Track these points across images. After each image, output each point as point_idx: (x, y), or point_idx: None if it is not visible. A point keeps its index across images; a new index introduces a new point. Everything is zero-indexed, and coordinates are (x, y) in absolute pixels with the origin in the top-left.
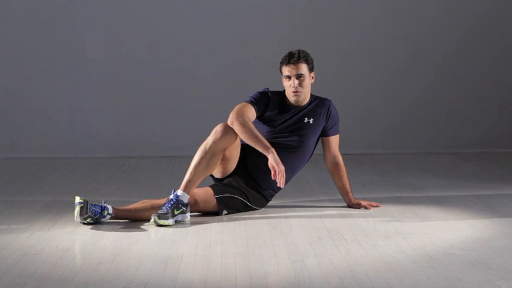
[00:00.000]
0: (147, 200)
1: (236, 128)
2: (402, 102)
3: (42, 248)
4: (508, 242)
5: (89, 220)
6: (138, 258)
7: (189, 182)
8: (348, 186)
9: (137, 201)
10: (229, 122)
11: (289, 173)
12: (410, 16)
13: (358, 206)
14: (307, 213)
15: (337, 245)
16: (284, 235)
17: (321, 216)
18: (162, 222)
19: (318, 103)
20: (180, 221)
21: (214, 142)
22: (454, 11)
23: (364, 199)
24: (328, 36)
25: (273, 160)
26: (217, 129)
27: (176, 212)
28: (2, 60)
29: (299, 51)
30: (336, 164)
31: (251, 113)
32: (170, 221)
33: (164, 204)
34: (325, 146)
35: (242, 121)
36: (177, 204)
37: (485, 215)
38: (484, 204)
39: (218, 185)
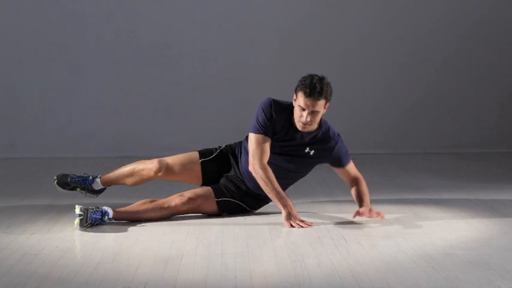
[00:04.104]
0: (147, 200)
1: (259, 181)
2: (402, 102)
3: (42, 248)
4: (508, 242)
5: (89, 227)
6: (138, 258)
7: (110, 180)
8: (363, 196)
9: (137, 201)
10: (250, 169)
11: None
12: (410, 16)
13: (364, 214)
14: (307, 213)
15: (337, 245)
16: (284, 235)
17: (321, 216)
18: (56, 185)
19: (324, 137)
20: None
21: (144, 171)
22: (454, 11)
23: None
24: (328, 36)
25: (286, 216)
26: (150, 166)
27: (77, 190)
28: (2, 60)
29: (321, 84)
30: (356, 180)
31: (268, 151)
32: (61, 191)
33: (77, 176)
34: (342, 176)
35: (265, 177)
36: (87, 187)
37: (485, 215)
38: (484, 204)
39: (218, 185)
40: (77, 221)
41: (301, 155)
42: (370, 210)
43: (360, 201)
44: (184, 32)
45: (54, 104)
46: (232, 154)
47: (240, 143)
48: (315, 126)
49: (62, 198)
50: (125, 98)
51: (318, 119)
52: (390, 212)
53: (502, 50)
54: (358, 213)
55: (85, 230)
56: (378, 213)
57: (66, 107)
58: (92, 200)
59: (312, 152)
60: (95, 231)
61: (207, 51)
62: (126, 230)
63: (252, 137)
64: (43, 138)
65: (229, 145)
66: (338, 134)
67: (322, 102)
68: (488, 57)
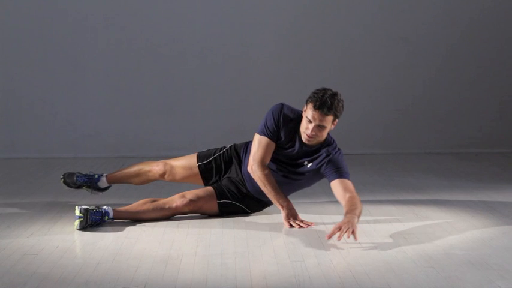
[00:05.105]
0: (148, 200)
1: (258, 182)
2: (402, 102)
3: (42, 248)
4: (508, 242)
5: (89, 227)
6: (138, 258)
7: (116, 179)
8: (352, 209)
9: (138, 201)
10: (249, 169)
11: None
12: (410, 16)
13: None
14: (307, 213)
15: (337, 245)
16: (284, 235)
17: (321, 217)
18: (63, 183)
19: (324, 151)
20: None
21: (151, 173)
22: (454, 11)
23: (364, 199)
24: (327, 35)
25: (285, 216)
26: (156, 169)
27: (83, 188)
28: (2, 60)
29: (332, 100)
30: (349, 196)
31: (269, 154)
32: (68, 189)
33: (83, 174)
34: (338, 192)
35: (264, 177)
36: (92, 185)
37: (485, 215)
38: (484, 204)
39: (220, 187)
40: (76, 222)
41: (297, 165)
42: (340, 228)
43: (347, 212)
44: (184, 32)
45: (55, 104)
46: (236, 155)
47: (247, 143)
48: (319, 140)
49: (62, 198)
50: (125, 98)
51: (324, 134)
52: (390, 212)
53: (501, 50)
54: (332, 233)
55: (85, 230)
56: (351, 231)
57: (66, 107)
58: (92, 200)
59: (309, 165)
60: (95, 231)
61: (207, 51)
62: (126, 230)
63: (256, 138)
64: (43, 138)
65: (235, 145)
66: (339, 149)
67: (330, 118)
68: (488, 57)
